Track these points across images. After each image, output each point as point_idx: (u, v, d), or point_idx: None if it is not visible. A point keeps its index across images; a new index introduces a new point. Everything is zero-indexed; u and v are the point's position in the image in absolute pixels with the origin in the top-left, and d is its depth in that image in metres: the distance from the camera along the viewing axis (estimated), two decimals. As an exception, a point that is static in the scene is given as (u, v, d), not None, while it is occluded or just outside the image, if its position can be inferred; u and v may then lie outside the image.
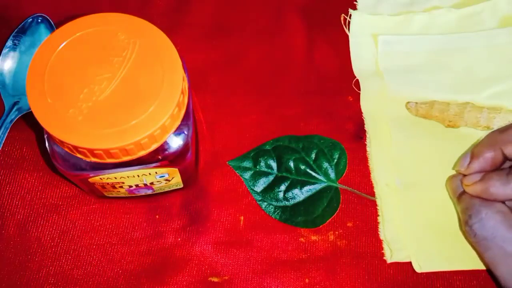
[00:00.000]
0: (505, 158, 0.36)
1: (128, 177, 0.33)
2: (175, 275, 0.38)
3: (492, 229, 0.35)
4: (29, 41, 0.43)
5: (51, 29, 0.44)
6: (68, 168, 0.32)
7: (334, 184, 0.40)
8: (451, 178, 0.39)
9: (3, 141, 0.40)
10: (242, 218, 0.40)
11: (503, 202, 0.36)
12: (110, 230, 0.39)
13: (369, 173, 0.41)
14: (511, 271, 0.34)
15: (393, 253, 0.38)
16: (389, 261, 0.38)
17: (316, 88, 0.44)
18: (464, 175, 0.38)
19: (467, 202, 0.36)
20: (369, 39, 0.45)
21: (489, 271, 0.37)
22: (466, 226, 0.36)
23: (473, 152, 0.37)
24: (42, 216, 0.39)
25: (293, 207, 0.40)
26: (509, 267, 0.34)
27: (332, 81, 0.44)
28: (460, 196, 0.37)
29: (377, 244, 0.39)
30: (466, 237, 0.37)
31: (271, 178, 0.41)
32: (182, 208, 0.40)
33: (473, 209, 0.36)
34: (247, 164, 0.41)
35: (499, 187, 0.35)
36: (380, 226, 0.39)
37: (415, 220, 0.39)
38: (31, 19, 0.44)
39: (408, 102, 0.42)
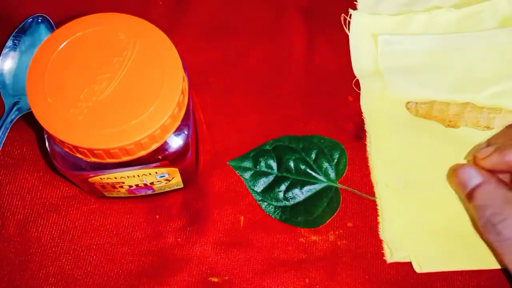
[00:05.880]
0: None
1: (128, 177, 0.33)
2: (175, 275, 0.38)
3: None
4: (29, 41, 0.43)
5: (51, 29, 0.43)
6: (68, 168, 0.32)
7: (334, 184, 0.40)
8: (458, 169, 0.38)
9: (3, 141, 0.40)
10: (242, 218, 0.40)
11: None
12: (110, 230, 0.39)
13: (369, 173, 0.41)
14: None
15: (393, 253, 0.38)
16: (389, 261, 0.38)
17: (316, 88, 0.44)
18: (475, 162, 0.37)
19: (486, 198, 0.35)
20: (369, 39, 0.45)
21: (503, 270, 0.37)
22: (487, 223, 0.35)
23: (501, 147, 0.37)
24: (42, 216, 0.39)
25: (293, 207, 0.40)
26: None
27: (332, 81, 0.44)
28: (474, 191, 0.36)
29: (377, 244, 0.39)
30: (481, 234, 0.36)
31: (271, 178, 0.41)
32: (182, 208, 0.40)
33: (495, 206, 0.35)
34: (247, 164, 0.41)
35: None
36: (380, 226, 0.39)
37: (415, 220, 0.39)
38: (31, 19, 0.43)
39: (408, 102, 0.42)
